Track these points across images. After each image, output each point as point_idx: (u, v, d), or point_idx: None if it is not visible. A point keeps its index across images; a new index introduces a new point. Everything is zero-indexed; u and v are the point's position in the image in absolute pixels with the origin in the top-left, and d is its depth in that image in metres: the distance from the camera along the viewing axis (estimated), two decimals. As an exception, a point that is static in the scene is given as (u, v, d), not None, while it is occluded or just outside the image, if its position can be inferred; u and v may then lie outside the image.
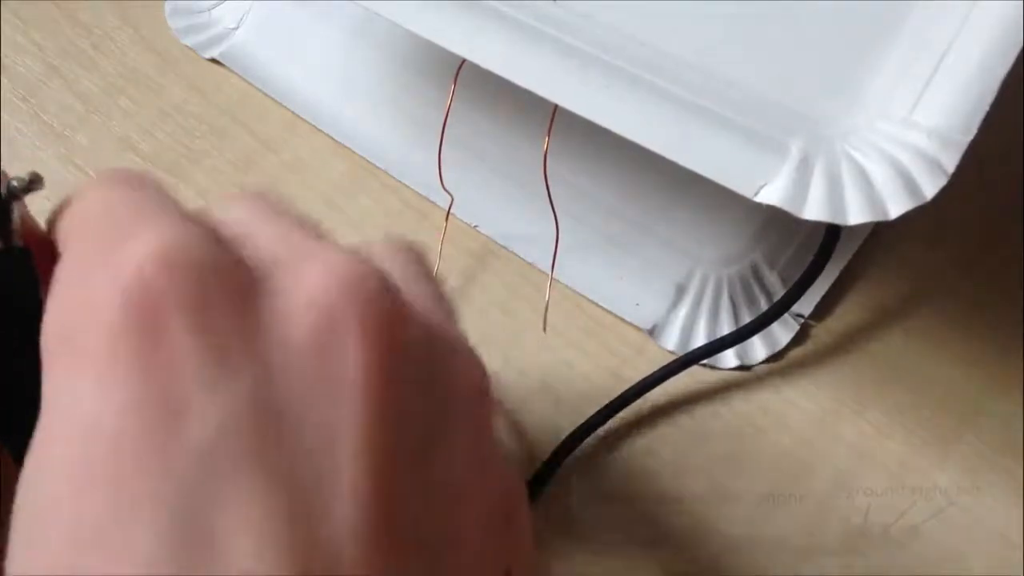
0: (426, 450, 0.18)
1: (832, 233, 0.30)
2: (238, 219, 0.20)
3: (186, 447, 0.15)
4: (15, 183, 0.24)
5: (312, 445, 0.16)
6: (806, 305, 0.35)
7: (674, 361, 0.34)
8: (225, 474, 0.15)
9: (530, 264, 0.36)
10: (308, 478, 0.16)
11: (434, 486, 0.18)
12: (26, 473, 0.17)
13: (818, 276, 0.31)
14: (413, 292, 0.20)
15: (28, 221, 0.25)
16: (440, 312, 0.21)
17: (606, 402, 0.33)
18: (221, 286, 0.17)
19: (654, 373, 0.33)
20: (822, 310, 0.35)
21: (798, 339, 0.35)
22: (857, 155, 0.24)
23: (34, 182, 0.25)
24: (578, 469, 0.33)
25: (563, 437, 0.33)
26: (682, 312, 0.35)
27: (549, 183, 0.33)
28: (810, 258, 0.34)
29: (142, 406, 0.16)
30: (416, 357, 0.18)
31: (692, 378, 0.34)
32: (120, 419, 0.15)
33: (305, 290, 0.18)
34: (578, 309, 0.36)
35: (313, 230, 0.20)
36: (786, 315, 0.35)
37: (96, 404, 0.16)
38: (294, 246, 0.19)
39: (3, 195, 0.24)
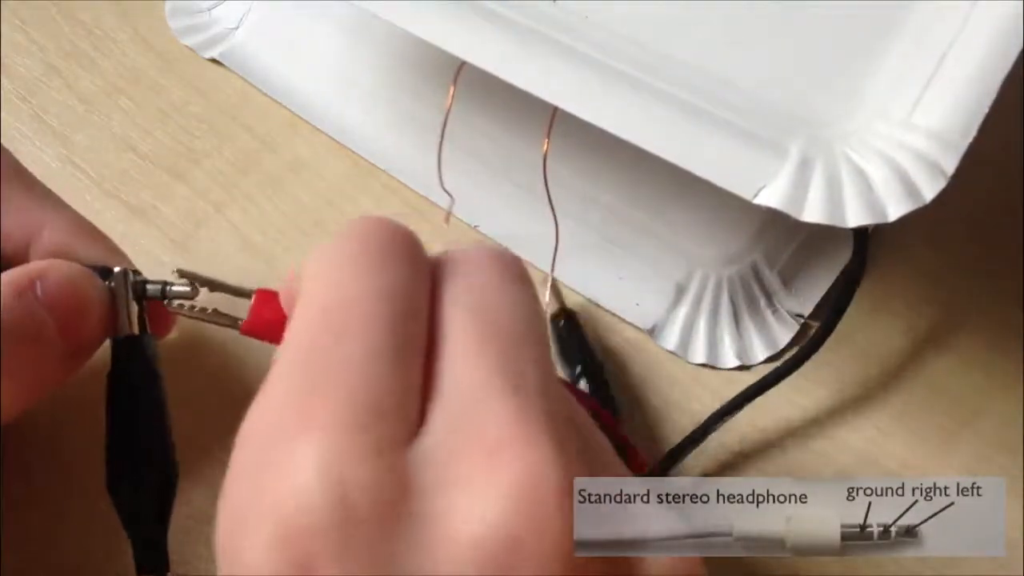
0: None
1: (860, 237, 0.29)
2: (461, 302, 0.19)
3: None
4: (175, 288, 0.29)
5: None
6: (806, 305, 0.35)
7: (749, 388, 0.33)
8: None
9: (530, 264, 0.36)
10: None
11: None
12: None
13: (860, 282, 0.30)
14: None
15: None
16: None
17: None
18: (373, 518, 0.16)
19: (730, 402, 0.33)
20: (822, 310, 0.35)
21: (798, 339, 0.35)
22: (856, 157, 0.24)
23: (192, 288, 0.28)
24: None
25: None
26: (682, 312, 0.35)
27: (549, 183, 0.33)
28: (810, 258, 0.34)
29: None
30: None
31: (692, 378, 0.34)
32: None
33: (473, 522, 0.15)
34: (578, 309, 0.36)
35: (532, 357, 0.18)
36: (786, 315, 0.35)
37: None
38: (478, 426, 0.17)
39: (149, 293, 0.28)
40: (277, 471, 0.16)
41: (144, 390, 0.28)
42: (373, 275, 0.19)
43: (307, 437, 0.16)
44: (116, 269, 0.28)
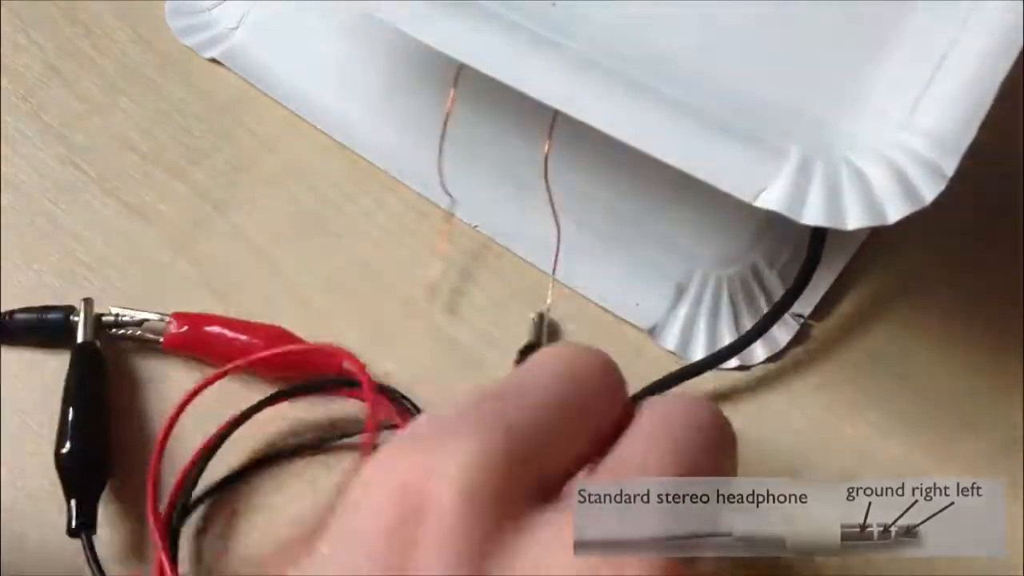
0: None
1: (817, 236, 0.30)
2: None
3: None
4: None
5: None
6: (806, 305, 0.35)
7: (681, 370, 0.34)
8: None
9: (530, 264, 0.36)
10: None
11: None
12: None
13: (810, 280, 0.31)
14: None
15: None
16: None
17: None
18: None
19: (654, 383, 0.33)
20: (822, 310, 0.35)
21: (798, 339, 0.35)
22: (856, 160, 0.24)
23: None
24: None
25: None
26: (682, 312, 0.35)
27: (549, 183, 0.33)
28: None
29: None
30: None
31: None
32: None
33: None
34: (578, 309, 0.36)
35: None
36: (786, 315, 0.35)
37: None
38: None
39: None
40: None
41: (94, 389, 0.33)
42: None
43: None
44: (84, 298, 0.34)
